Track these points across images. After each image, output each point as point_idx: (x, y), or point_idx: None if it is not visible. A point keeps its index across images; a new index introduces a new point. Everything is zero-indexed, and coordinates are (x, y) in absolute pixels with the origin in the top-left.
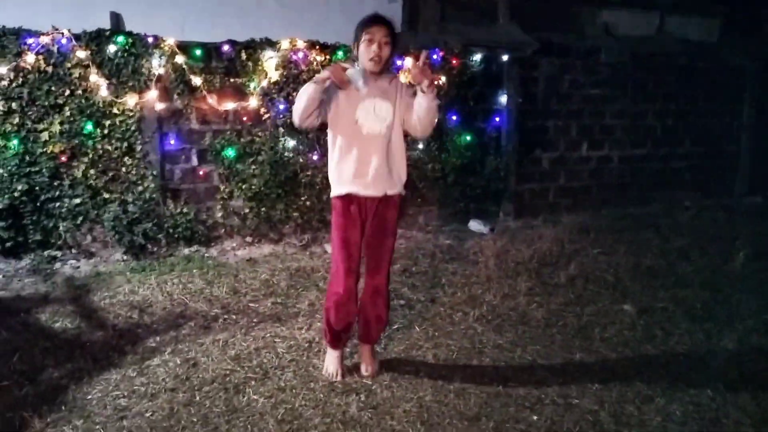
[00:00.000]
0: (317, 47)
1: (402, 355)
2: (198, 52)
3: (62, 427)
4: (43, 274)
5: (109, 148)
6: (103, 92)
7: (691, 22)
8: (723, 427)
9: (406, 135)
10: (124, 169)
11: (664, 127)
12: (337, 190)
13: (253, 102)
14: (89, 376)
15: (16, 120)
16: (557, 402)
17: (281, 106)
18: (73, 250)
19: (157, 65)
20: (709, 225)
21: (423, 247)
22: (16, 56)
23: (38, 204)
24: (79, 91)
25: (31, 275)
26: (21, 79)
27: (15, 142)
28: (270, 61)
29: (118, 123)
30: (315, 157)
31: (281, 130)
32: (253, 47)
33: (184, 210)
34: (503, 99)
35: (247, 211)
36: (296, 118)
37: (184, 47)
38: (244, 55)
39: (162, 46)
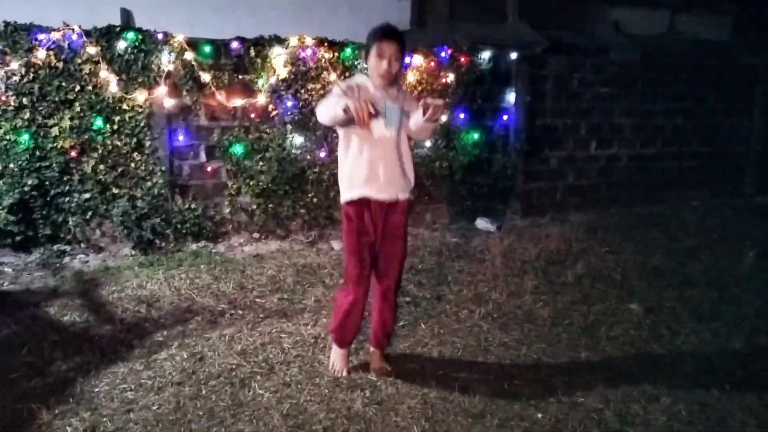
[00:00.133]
0: (326, 44)
1: (407, 352)
2: (207, 48)
3: (70, 419)
4: (53, 268)
5: (119, 143)
6: (113, 88)
7: (701, 21)
8: (729, 427)
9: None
10: (133, 164)
11: (674, 126)
12: (349, 194)
13: (261, 99)
14: (97, 369)
15: (27, 115)
16: (562, 400)
17: (289, 103)
18: (82, 245)
19: (166, 61)
20: (717, 225)
21: (430, 245)
22: (27, 52)
23: (48, 198)
24: (89, 87)
25: (41, 269)
26: (32, 75)
27: (26, 137)
28: (278, 58)
29: (127, 119)
30: (322, 154)
31: (289, 127)
32: (262, 44)
33: (192, 206)
34: (511, 97)
35: (254, 207)
36: (321, 120)
37: (194, 44)
38: (252, 52)
39: (171, 42)
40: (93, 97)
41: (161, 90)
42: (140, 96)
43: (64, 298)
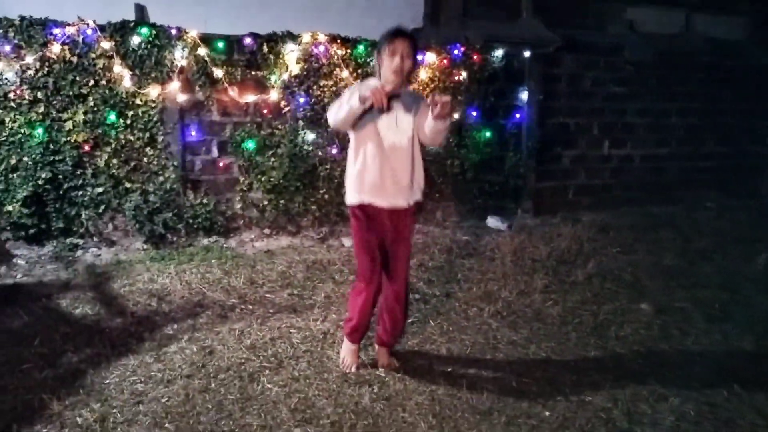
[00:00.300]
0: (338, 41)
1: (416, 349)
2: (220, 44)
3: (80, 410)
4: (65, 261)
5: (132, 138)
6: (127, 83)
7: (717, 21)
8: (737, 427)
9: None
10: (145, 159)
11: (688, 126)
12: (354, 199)
13: (273, 95)
14: (107, 361)
15: (41, 109)
16: (570, 399)
17: (301, 100)
18: (95, 239)
19: (179, 57)
20: (731, 226)
21: (440, 243)
22: (42, 46)
23: (61, 192)
24: (103, 82)
25: (54, 262)
26: (46, 69)
27: (40, 130)
28: (291, 54)
29: (140, 114)
30: (334, 151)
31: (301, 123)
32: (275, 40)
33: (204, 201)
34: (524, 95)
35: (265, 203)
36: (332, 123)
37: (207, 39)
38: (265, 48)
39: (185, 38)
40: (107, 91)
41: (174, 85)
42: (153, 91)
43: (76, 290)
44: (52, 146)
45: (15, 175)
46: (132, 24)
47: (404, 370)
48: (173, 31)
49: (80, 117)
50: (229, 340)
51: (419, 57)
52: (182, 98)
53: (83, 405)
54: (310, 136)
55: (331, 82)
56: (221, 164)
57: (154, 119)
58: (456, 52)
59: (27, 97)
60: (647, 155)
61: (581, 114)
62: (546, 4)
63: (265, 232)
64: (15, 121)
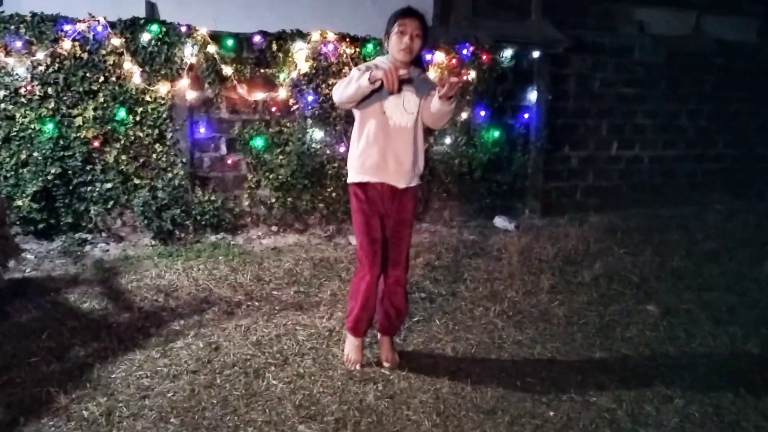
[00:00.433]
0: (347, 40)
1: (421, 347)
2: (230, 42)
3: (86, 404)
4: (74, 256)
5: (141, 134)
6: (136, 80)
7: (728, 22)
8: (742, 430)
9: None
10: (154, 155)
11: (698, 127)
12: (356, 178)
13: (282, 93)
14: (114, 355)
15: (52, 105)
16: (575, 399)
17: (310, 98)
18: (103, 234)
19: (189, 54)
20: (740, 228)
21: (447, 242)
22: (53, 42)
23: (71, 187)
24: (113, 78)
25: (62, 257)
26: (57, 65)
27: (50, 126)
28: (300, 52)
29: (150, 110)
30: (342, 149)
31: (309, 121)
32: (284, 38)
33: (212, 198)
34: (533, 96)
35: (273, 200)
36: (337, 100)
37: (216, 37)
38: (274, 46)
39: (195, 35)
40: (116, 88)
41: (184, 82)
42: (163, 88)
43: (84, 285)
44: (62, 142)
45: (25, 170)
46: (142, 21)
47: (409, 368)
48: (183, 29)
49: (90, 113)
50: (235, 337)
51: (428, 56)
52: (191, 95)
53: (90, 399)
54: (319, 134)
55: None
56: (229, 161)
57: (164, 116)
58: (465, 51)
59: (37, 92)
60: (656, 156)
61: (590, 115)
62: (555, 4)
63: (272, 230)
64: (25, 117)
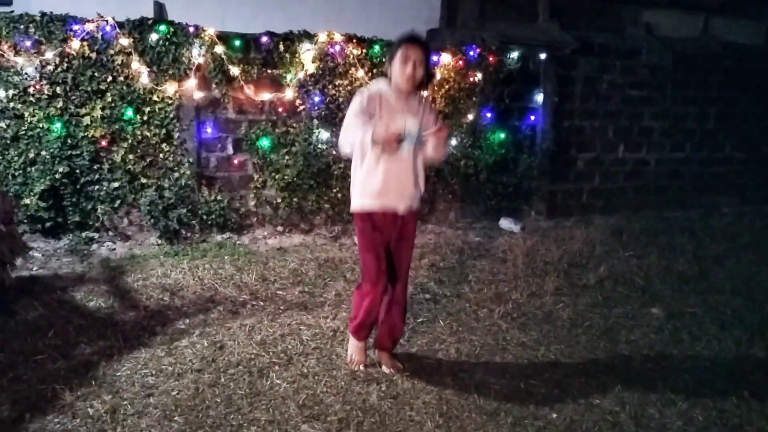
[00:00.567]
0: (354, 41)
1: (425, 348)
2: (237, 42)
3: (91, 401)
4: (81, 254)
5: (148, 134)
6: (144, 79)
7: (736, 25)
8: None
9: None
10: (161, 155)
11: (705, 130)
12: (359, 204)
13: (289, 93)
14: (119, 353)
15: (60, 104)
16: (578, 401)
17: (317, 99)
18: (110, 233)
19: (197, 54)
20: (746, 232)
21: (452, 243)
22: (62, 42)
23: (78, 186)
24: (121, 78)
25: (69, 255)
26: (66, 65)
27: (58, 125)
28: (307, 53)
29: (157, 110)
30: None
31: (315, 122)
32: (291, 39)
33: (218, 197)
34: (539, 98)
35: (279, 200)
36: (342, 148)
37: (224, 38)
38: (281, 47)
39: (202, 36)
40: (124, 87)
41: (191, 82)
42: (170, 88)
43: (90, 283)
44: (69, 141)
45: (33, 168)
46: (150, 21)
47: (412, 369)
48: (191, 29)
49: (98, 112)
50: (239, 336)
51: (434, 58)
52: (199, 95)
53: (95, 396)
54: (325, 134)
55: (346, 82)
56: (236, 161)
57: (171, 116)
58: (472, 53)
59: (46, 92)
60: (663, 159)
61: (597, 117)
62: (562, 6)
63: (278, 230)
64: (34, 116)
